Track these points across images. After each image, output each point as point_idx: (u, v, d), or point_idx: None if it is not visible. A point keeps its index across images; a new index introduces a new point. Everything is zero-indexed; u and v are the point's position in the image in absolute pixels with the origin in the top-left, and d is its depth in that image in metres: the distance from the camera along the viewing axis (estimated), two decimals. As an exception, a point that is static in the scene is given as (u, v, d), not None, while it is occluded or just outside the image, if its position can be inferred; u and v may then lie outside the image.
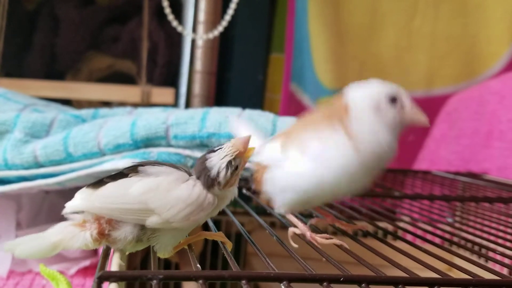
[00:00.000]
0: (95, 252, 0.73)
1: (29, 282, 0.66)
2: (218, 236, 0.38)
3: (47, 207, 0.77)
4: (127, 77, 1.10)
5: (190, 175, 0.36)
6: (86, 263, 0.70)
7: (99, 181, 0.35)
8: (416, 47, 1.03)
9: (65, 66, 1.09)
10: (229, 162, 0.36)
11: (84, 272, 0.70)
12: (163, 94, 1.01)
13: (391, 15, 1.03)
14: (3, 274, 0.67)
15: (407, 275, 0.31)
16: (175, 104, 1.02)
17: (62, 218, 0.77)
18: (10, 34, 1.03)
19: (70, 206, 0.34)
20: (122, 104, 1.01)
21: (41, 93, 0.95)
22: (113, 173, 0.35)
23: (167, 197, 0.34)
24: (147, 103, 1.00)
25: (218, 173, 0.35)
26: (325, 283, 0.29)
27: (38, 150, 0.63)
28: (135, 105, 0.86)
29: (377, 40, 1.04)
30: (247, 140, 0.36)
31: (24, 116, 0.66)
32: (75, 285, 0.67)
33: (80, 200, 0.34)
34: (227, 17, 0.80)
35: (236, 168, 0.36)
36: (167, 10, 0.78)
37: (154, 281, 0.27)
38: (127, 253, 0.35)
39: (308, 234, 0.39)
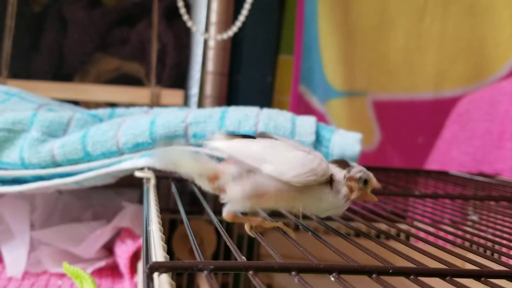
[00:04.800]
0: (110, 253, 0.73)
1: (45, 283, 0.66)
2: (278, 224, 0.40)
3: (61, 207, 0.76)
4: (134, 79, 1.09)
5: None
6: (102, 263, 0.70)
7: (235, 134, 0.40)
8: (425, 48, 1.03)
9: (73, 68, 1.09)
10: (365, 172, 0.40)
11: (99, 272, 0.69)
12: (172, 95, 1.00)
13: (400, 17, 1.04)
14: (18, 275, 0.67)
15: (451, 268, 0.31)
16: (185, 106, 1.01)
17: (76, 219, 0.77)
18: (18, 35, 1.03)
19: (212, 143, 0.39)
20: (130, 106, 1.00)
21: (49, 95, 0.94)
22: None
23: (284, 155, 0.38)
24: (156, 105, 0.99)
25: (354, 167, 0.40)
26: (374, 275, 0.29)
27: (55, 149, 0.63)
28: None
29: (386, 42, 1.04)
30: (380, 186, 0.41)
31: (41, 115, 0.66)
32: (91, 285, 0.66)
33: (220, 142, 0.39)
34: (241, 17, 0.80)
35: (365, 182, 0.39)
36: (182, 11, 0.78)
37: (205, 272, 0.27)
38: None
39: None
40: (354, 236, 0.62)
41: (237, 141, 0.39)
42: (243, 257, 0.30)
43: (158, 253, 0.30)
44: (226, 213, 0.40)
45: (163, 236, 0.34)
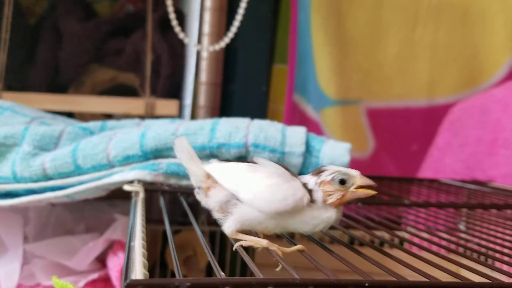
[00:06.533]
0: (103, 265, 0.73)
1: (38, 296, 0.66)
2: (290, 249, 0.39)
3: (54, 220, 0.77)
4: (129, 89, 1.10)
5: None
6: (95, 276, 0.70)
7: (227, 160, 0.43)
8: (418, 57, 1.04)
9: (68, 79, 1.09)
10: (340, 171, 0.37)
11: (92, 285, 0.69)
12: (167, 106, 1.00)
13: (393, 26, 1.04)
14: (11, 288, 0.67)
15: (430, 281, 0.31)
16: (179, 116, 1.02)
17: (69, 231, 0.77)
18: (13, 47, 1.03)
19: (206, 167, 0.41)
20: (125, 116, 1.01)
21: (44, 107, 0.94)
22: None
23: (258, 182, 0.37)
24: (151, 115, 1.00)
25: (326, 170, 0.38)
26: (350, 289, 0.29)
27: (47, 163, 0.63)
28: (139, 117, 0.86)
29: (380, 51, 1.05)
30: (370, 183, 0.38)
31: (32, 129, 0.66)
32: (84, 298, 0.67)
33: (213, 166, 0.40)
34: (233, 29, 0.81)
35: (342, 182, 0.37)
36: (174, 22, 0.78)
37: (181, 289, 0.27)
38: None
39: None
40: (330, 244, 0.62)
41: (222, 164, 0.40)
42: (222, 273, 0.31)
43: (138, 270, 0.30)
44: (228, 230, 0.39)
45: (145, 252, 0.34)
